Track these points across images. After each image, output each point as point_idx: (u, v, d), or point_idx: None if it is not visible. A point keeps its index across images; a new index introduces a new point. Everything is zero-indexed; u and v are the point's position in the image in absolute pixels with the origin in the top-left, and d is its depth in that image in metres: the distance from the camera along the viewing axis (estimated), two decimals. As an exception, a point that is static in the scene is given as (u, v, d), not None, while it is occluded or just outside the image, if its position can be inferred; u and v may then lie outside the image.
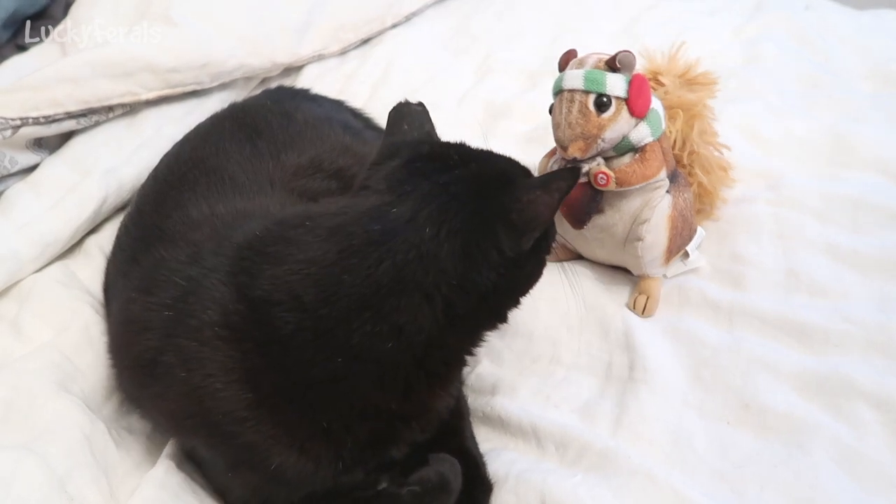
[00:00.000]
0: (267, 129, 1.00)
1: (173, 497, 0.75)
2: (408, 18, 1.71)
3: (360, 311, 0.65)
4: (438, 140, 0.79)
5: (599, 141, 0.89)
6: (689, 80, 1.04)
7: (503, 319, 0.75)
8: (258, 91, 1.41)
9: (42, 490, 0.74)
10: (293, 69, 1.52)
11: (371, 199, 0.70)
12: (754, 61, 1.49)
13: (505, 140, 1.32)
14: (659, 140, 0.93)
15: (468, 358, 0.76)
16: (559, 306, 0.99)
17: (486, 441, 0.87)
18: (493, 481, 0.80)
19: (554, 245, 1.05)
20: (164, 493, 0.75)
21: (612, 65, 0.89)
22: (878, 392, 0.84)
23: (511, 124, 1.36)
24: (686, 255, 1.02)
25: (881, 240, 1.04)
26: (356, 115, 1.27)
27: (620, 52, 0.89)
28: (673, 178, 0.97)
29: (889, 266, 1.00)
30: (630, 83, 0.89)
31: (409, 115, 0.78)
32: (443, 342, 0.69)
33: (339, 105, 1.27)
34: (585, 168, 0.92)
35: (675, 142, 1.01)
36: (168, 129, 1.22)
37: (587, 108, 0.88)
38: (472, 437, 0.85)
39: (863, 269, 1.00)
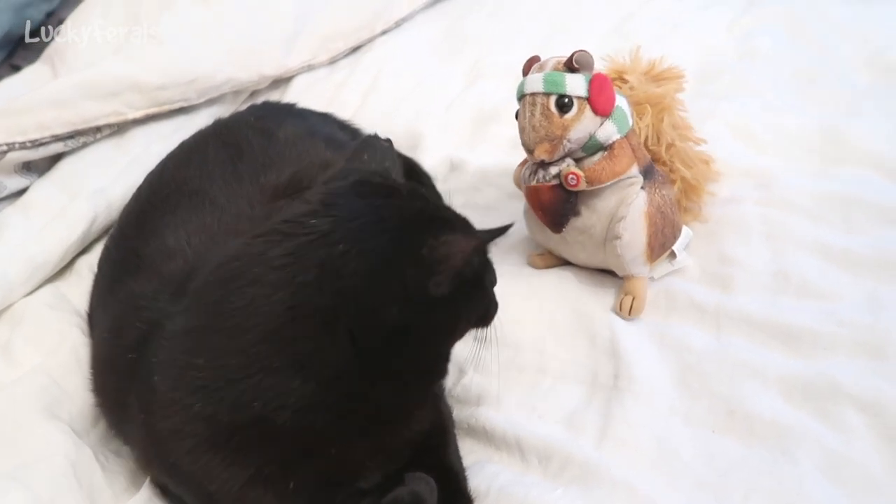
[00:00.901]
0: (248, 150, 1.00)
1: (154, 523, 0.77)
2: (398, 24, 1.69)
3: (259, 345, 0.64)
4: (394, 177, 0.77)
5: (565, 142, 0.89)
6: (655, 76, 1.03)
7: (434, 371, 0.73)
8: (247, 104, 1.41)
9: (26, 517, 0.75)
10: (282, 81, 1.52)
11: (297, 208, 0.68)
12: (749, 56, 1.46)
13: (493, 145, 1.32)
14: (627, 136, 0.93)
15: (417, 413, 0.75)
16: (545, 316, 0.99)
17: (471, 453, 0.86)
18: (473, 496, 0.80)
19: (541, 253, 1.04)
20: (145, 519, 0.77)
21: (571, 65, 0.89)
22: (865, 395, 0.82)
23: (500, 129, 1.34)
24: (673, 255, 1.01)
25: (874, 238, 1.02)
26: (343, 127, 1.26)
27: (576, 51, 0.89)
28: (647, 174, 0.96)
29: (881, 265, 0.97)
30: (590, 82, 0.89)
31: (373, 149, 0.77)
32: (363, 389, 0.66)
33: (325, 118, 1.26)
34: (555, 170, 0.91)
35: (647, 137, 1.00)
36: (156, 146, 1.22)
37: (549, 109, 0.88)
38: (456, 452, 0.84)
39: (854, 270, 0.98)
